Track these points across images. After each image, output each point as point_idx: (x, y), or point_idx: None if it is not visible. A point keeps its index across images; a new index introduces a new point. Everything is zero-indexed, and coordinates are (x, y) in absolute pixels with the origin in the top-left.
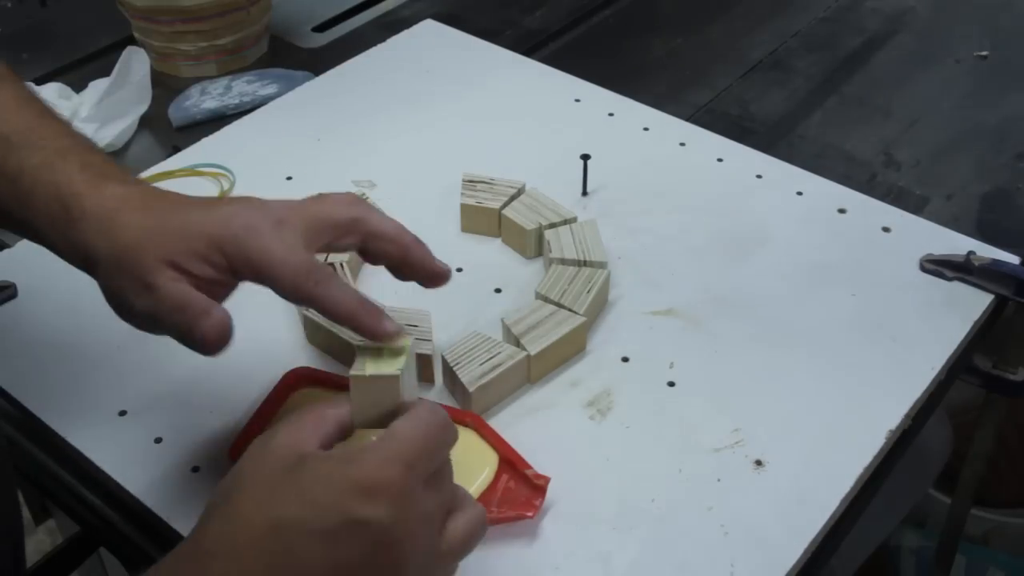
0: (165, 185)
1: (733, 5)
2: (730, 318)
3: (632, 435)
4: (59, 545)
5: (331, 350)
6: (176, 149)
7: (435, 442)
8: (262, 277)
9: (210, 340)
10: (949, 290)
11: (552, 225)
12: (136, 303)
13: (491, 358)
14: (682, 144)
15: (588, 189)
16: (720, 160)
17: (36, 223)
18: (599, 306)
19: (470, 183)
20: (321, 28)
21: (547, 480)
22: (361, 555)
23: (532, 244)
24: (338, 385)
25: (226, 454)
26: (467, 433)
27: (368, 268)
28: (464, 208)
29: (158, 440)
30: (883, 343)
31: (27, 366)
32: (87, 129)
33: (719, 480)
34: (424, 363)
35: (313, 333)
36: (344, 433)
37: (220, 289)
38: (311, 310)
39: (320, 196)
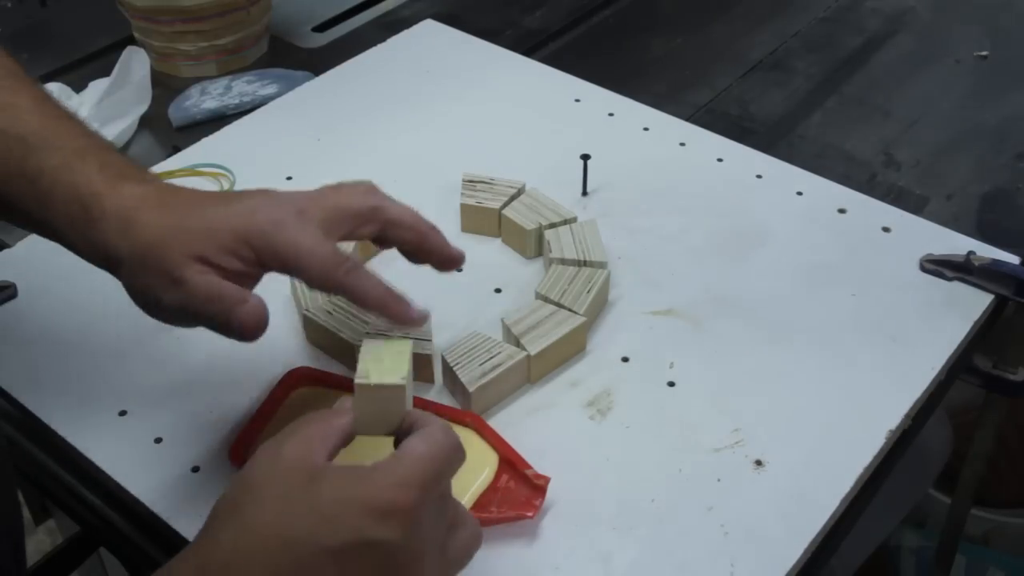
0: None
1: (733, 5)
2: (730, 318)
3: (632, 435)
4: (59, 545)
5: (331, 350)
6: (176, 149)
7: (446, 465)
8: (291, 268)
9: (249, 326)
10: (949, 290)
11: (552, 225)
12: (165, 298)
13: (491, 358)
14: (682, 144)
15: (588, 189)
16: (720, 160)
17: (56, 224)
18: (599, 306)
19: (470, 183)
20: (321, 28)
21: (547, 480)
22: (372, 573)
23: (532, 244)
24: (338, 385)
25: (226, 454)
26: (467, 433)
27: (369, 265)
28: (464, 208)
29: (158, 440)
30: (883, 343)
31: (27, 366)
32: None
33: (719, 480)
34: (424, 363)
35: (313, 333)
36: (347, 440)
37: (247, 280)
38: (311, 310)
39: (338, 186)
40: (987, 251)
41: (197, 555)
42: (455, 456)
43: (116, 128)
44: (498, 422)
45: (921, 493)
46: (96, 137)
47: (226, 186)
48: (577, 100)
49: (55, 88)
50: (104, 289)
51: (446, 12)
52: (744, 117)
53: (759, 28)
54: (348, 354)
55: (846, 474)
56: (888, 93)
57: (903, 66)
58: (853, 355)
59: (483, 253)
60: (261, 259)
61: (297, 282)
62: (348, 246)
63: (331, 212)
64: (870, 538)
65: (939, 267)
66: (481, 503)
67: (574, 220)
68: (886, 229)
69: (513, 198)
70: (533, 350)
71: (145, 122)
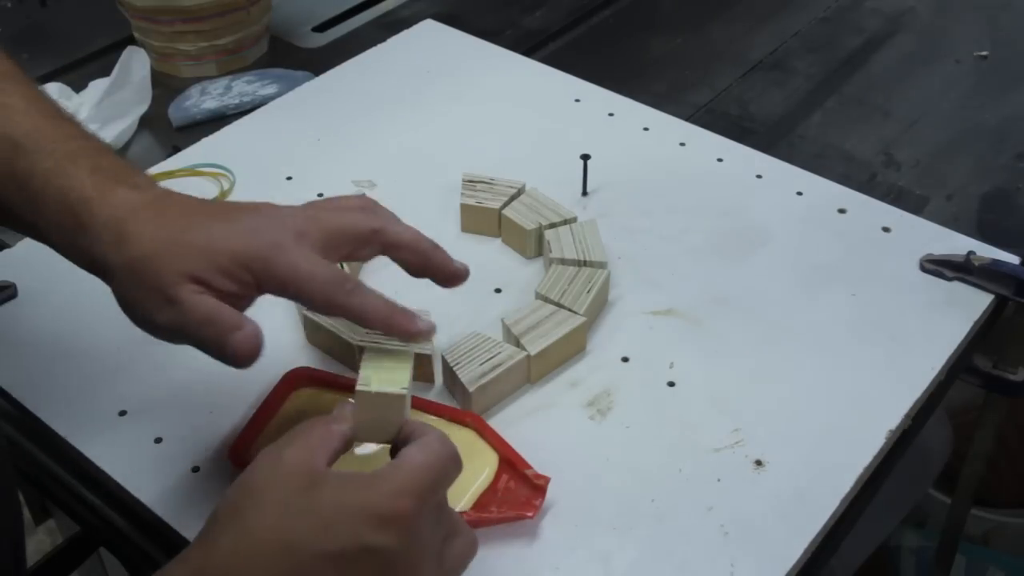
0: (165, 185)
1: (733, 5)
2: (730, 318)
3: (632, 435)
4: (59, 545)
5: (331, 350)
6: (176, 149)
7: (444, 474)
8: (291, 293)
9: (242, 354)
10: (949, 290)
11: (552, 225)
12: (157, 316)
13: (491, 358)
14: (682, 144)
15: (588, 189)
16: (720, 160)
17: (46, 229)
18: (599, 306)
19: (470, 183)
20: (321, 28)
21: (547, 480)
22: None
23: (532, 244)
24: (338, 385)
25: (226, 454)
26: (467, 433)
27: (367, 268)
28: (464, 208)
29: (158, 440)
30: (883, 343)
31: (27, 366)
32: None
33: (719, 480)
34: (424, 363)
35: (313, 333)
36: (348, 447)
37: (242, 302)
38: (311, 310)
39: (337, 204)
40: (987, 251)
41: (196, 558)
42: (452, 466)
43: (116, 128)
44: (498, 422)
45: (921, 493)
46: (91, 139)
47: (226, 186)
48: (577, 100)
49: (55, 88)
50: (105, 289)
51: (446, 12)
52: (744, 117)
53: (759, 28)
54: (348, 354)
55: (846, 474)
56: (888, 93)
57: (903, 66)
58: (853, 355)
59: (483, 253)
60: (259, 283)
61: None
62: None
63: (330, 234)
64: (870, 538)
65: (939, 267)
66: (481, 503)
67: (574, 220)
68: (886, 229)
69: (513, 198)
70: (533, 350)
71: (145, 122)
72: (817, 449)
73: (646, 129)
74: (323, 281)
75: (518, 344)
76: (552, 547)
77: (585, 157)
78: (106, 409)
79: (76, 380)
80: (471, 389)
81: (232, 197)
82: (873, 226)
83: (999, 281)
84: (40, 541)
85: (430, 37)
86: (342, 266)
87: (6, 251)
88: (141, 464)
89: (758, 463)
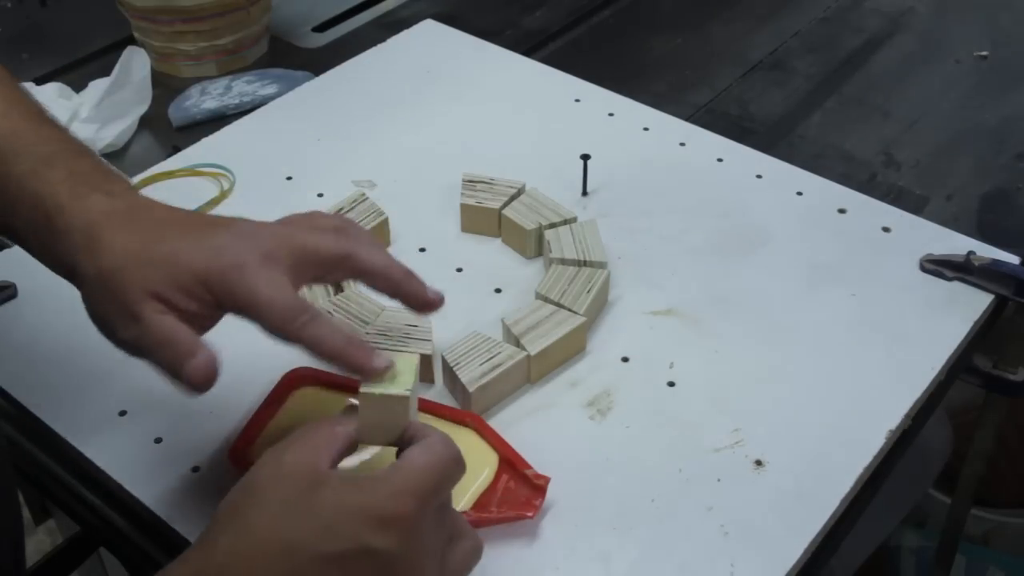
0: (165, 185)
1: (733, 5)
2: (730, 318)
3: (632, 435)
4: (59, 545)
5: None
6: (176, 149)
7: (446, 476)
8: (249, 316)
9: (196, 381)
10: (949, 290)
11: (552, 225)
12: (121, 331)
13: (491, 358)
14: (682, 144)
15: (588, 189)
16: (720, 160)
17: (22, 231)
18: (599, 306)
19: (470, 183)
20: (321, 28)
21: (547, 480)
22: None
23: (532, 244)
24: (338, 385)
25: (226, 454)
26: (467, 433)
27: None
28: (464, 208)
29: (158, 440)
30: (883, 343)
31: (27, 366)
32: (87, 129)
33: (719, 480)
34: (424, 363)
35: None
36: (351, 448)
37: (205, 321)
38: None
39: (312, 223)
40: (987, 251)
41: (196, 559)
42: (455, 468)
43: (116, 128)
44: (498, 422)
45: (921, 493)
46: (71, 143)
47: (226, 186)
48: (577, 100)
49: (55, 88)
50: None
51: (446, 12)
52: (744, 117)
53: (759, 28)
54: None
55: (846, 474)
56: (888, 93)
57: (903, 66)
58: (853, 355)
59: (483, 253)
60: (219, 301)
61: None
62: None
63: (299, 256)
64: (870, 538)
65: (939, 267)
66: (481, 503)
67: (574, 220)
68: (886, 229)
69: (513, 198)
70: (533, 350)
71: (145, 122)
72: (817, 449)
73: (646, 129)
74: (280, 308)
75: (518, 344)
76: (552, 547)
77: (585, 157)
78: (106, 409)
79: (76, 380)
80: (471, 389)
81: (232, 197)
82: (873, 226)
83: (999, 281)
84: (40, 541)
85: (430, 37)
86: None
87: (6, 251)
88: (141, 464)
89: (758, 463)
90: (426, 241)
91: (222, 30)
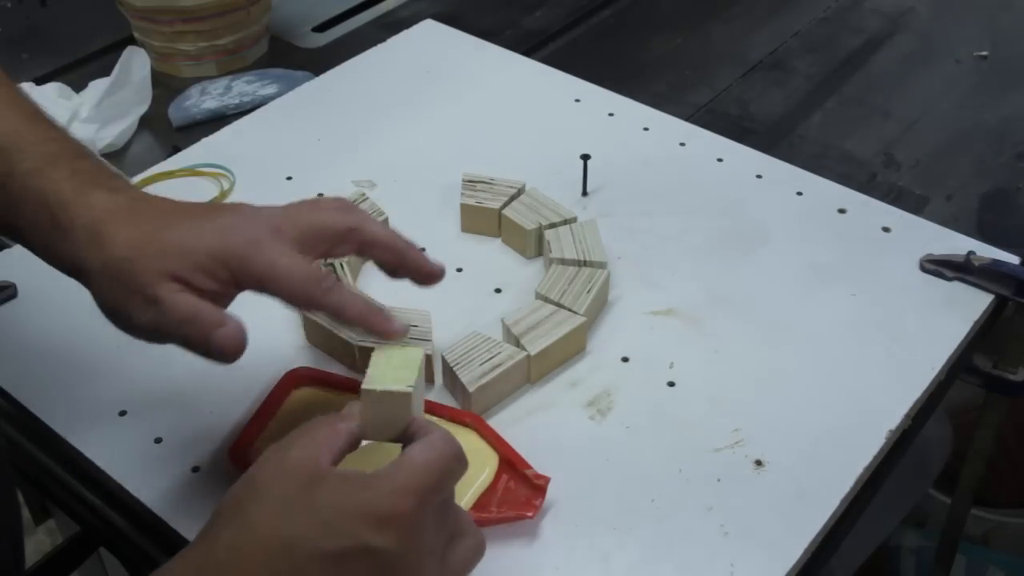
0: (165, 185)
1: (733, 5)
2: (730, 318)
3: (632, 435)
4: (59, 545)
5: (331, 350)
6: (176, 149)
7: (447, 473)
8: (269, 288)
9: (228, 350)
10: (949, 290)
11: (552, 225)
12: (137, 315)
13: (491, 358)
14: (682, 144)
15: (588, 189)
16: (720, 160)
17: (25, 230)
18: (599, 306)
19: (470, 183)
20: (321, 28)
21: (547, 480)
22: None
23: (532, 244)
24: (338, 385)
25: (226, 454)
26: (467, 433)
27: (368, 268)
28: (464, 208)
29: (158, 440)
30: (883, 343)
31: (27, 366)
32: (87, 129)
33: (719, 480)
34: (424, 363)
35: (313, 333)
36: (354, 445)
37: (222, 300)
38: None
39: (314, 202)
40: (987, 251)
41: (195, 555)
42: (456, 465)
43: (116, 128)
44: (498, 422)
45: (921, 493)
46: (70, 142)
47: (226, 186)
48: (577, 100)
49: (55, 88)
50: None
51: (446, 12)
52: (744, 117)
53: (759, 28)
54: (348, 354)
55: (846, 474)
56: (888, 93)
57: (903, 66)
58: (853, 355)
59: (483, 253)
60: (237, 279)
61: None
62: None
63: (307, 231)
64: (870, 538)
65: (939, 267)
66: (481, 503)
67: (574, 220)
68: (886, 229)
69: (513, 198)
70: (533, 350)
71: (145, 122)
72: (817, 449)
73: (646, 129)
74: (301, 278)
75: (518, 344)
76: (552, 547)
77: (585, 157)
78: (106, 409)
79: (76, 380)
80: (471, 389)
81: (232, 197)
82: (873, 226)
83: (999, 281)
84: (40, 541)
85: (430, 37)
86: (342, 266)
87: (6, 251)
88: (141, 464)
89: (758, 463)
90: (426, 241)
91: (222, 30)
